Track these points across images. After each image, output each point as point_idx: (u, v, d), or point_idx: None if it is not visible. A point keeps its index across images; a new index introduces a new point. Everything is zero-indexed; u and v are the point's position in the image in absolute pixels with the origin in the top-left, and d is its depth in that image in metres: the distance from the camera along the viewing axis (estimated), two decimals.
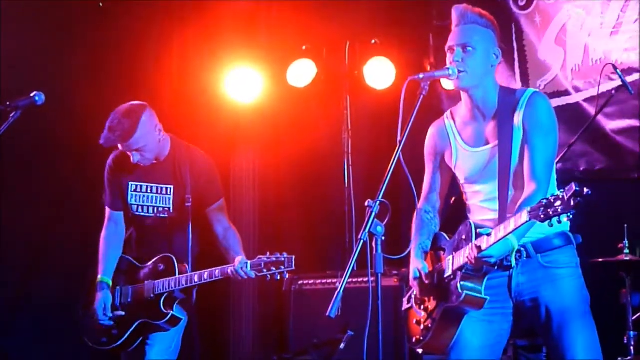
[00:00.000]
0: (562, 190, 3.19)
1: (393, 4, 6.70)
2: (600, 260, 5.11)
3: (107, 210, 4.96)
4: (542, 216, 3.23)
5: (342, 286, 3.30)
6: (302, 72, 6.84)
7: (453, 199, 4.07)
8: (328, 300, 3.30)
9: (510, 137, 3.72)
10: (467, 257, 3.57)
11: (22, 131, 4.61)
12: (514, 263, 3.60)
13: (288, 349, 5.95)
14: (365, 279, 3.38)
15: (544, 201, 3.23)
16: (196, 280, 4.64)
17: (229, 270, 4.55)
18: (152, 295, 4.72)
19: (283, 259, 4.45)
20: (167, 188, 4.80)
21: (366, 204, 3.41)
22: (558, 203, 3.18)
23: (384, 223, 3.40)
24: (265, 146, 7.23)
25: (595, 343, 3.70)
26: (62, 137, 4.79)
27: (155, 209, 4.82)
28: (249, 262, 4.52)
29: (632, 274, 5.19)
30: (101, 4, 6.85)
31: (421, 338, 3.83)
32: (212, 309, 7.07)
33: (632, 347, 5.10)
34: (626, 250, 5.12)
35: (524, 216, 3.33)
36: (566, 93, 6.16)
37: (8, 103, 4.43)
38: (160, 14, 7.05)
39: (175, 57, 7.06)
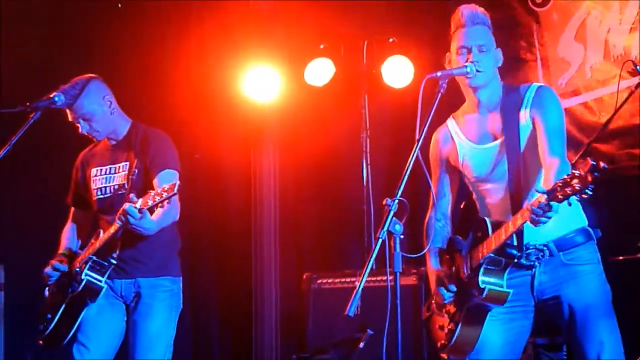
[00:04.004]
0: (577, 168, 3.15)
1: (410, 2, 6.69)
2: (621, 258, 5.07)
3: (72, 209, 5.00)
4: (561, 197, 3.18)
5: (360, 285, 3.31)
6: (320, 71, 6.83)
7: (463, 203, 4.04)
8: (347, 299, 3.30)
9: (517, 133, 3.70)
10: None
11: (41, 132, 4.65)
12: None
13: (306, 348, 5.95)
14: (384, 278, 3.36)
15: (560, 182, 3.18)
16: (98, 245, 4.56)
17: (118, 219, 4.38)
18: (78, 269, 4.67)
19: (166, 187, 4.22)
20: (123, 165, 4.72)
21: (384, 202, 3.40)
22: (575, 181, 3.14)
23: (403, 222, 3.39)
24: (284, 145, 7.24)
25: (618, 340, 3.69)
26: (78, 137, 4.82)
27: (113, 188, 4.73)
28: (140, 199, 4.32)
29: None
30: (120, 5, 6.88)
31: (446, 342, 3.82)
32: (236, 310, 7.09)
33: None
34: None
35: (541, 198, 3.25)
36: (581, 90, 6.12)
37: (28, 104, 4.47)
38: (177, 13, 7.07)
39: (193, 57, 7.07)
